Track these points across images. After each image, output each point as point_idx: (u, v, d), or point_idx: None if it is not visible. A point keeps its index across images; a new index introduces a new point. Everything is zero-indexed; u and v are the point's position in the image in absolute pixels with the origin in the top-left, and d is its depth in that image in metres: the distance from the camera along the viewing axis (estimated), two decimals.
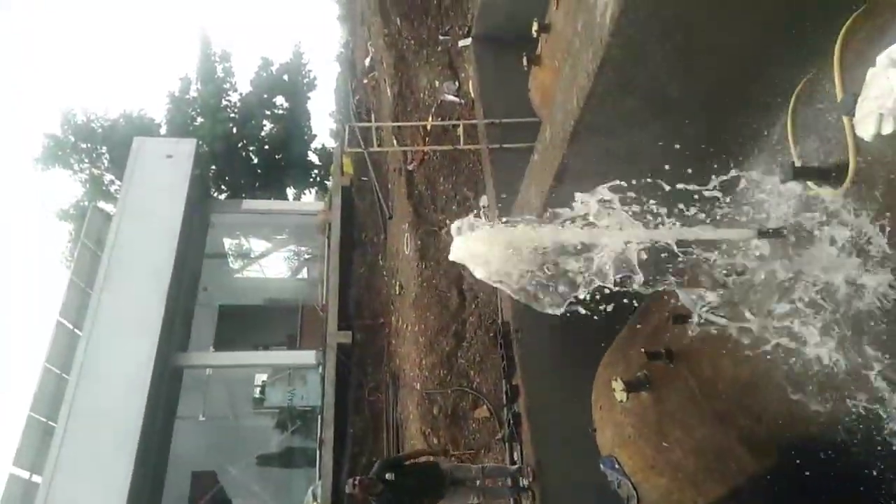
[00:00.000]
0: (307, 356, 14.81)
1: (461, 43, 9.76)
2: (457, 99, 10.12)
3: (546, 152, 5.05)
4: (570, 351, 6.03)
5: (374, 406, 12.15)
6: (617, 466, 4.18)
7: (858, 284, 2.27)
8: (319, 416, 13.33)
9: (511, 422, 5.99)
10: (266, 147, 24.43)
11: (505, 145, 7.66)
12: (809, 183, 2.30)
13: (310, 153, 26.30)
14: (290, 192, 26.44)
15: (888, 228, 2.10)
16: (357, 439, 12.31)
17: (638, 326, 4.27)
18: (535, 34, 6.29)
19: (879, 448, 2.48)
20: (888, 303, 2.21)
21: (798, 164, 2.35)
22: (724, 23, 3.54)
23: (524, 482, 5.59)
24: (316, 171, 26.40)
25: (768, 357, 2.74)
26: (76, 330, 14.07)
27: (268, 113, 24.88)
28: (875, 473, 2.58)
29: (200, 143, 18.61)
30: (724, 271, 2.92)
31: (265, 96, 24.45)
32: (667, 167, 4.69)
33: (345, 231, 15.92)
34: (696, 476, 3.56)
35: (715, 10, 3.43)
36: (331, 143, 25.67)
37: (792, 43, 2.98)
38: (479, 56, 8.89)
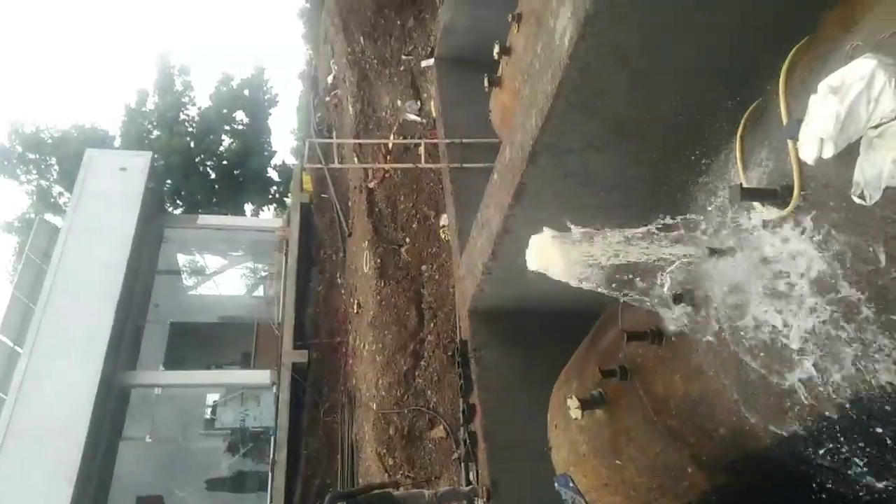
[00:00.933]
0: (261, 376, 14.50)
1: (424, 63, 9.86)
2: (418, 118, 10.18)
3: (505, 172, 5.10)
4: (529, 369, 6.07)
5: (329, 427, 11.94)
6: (571, 485, 4.19)
7: (800, 305, 2.34)
8: (272, 438, 13.02)
9: (467, 441, 5.96)
10: (224, 162, 24.10)
11: (465, 165, 7.72)
12: (756, 204, 2.38)
13: (269, 169, 26.05)
14: (249, 208, 26.09)
15: (829, 248, 2.18)
16: (311, 461, 12.06)
17: (593, 344, 4.32)
18: (496, 56, 6.40)
19: (823, 463, 2.54)
20: (828, 324, 2.28)
21: (745, 185, 2.43)
22: (681, 50, 3.66)
23: (479, 503, 5.55)
24: (275, 187, 26.14)
25: (720, 374, 2.79)
26: (16, 347, 13.47)
27: (227, 128, 24.58)
28: (822, 487, 2.64)
29: (156, 156, 18.21)
30: (679, 288, 2.98)
31: (225, 111, 24.18)
32: (625, 189, 4.83)
33: (303, 248, 15.76)
34: (648, 494, 3.59)
35: (672, 39, 3.54)
36: (291, 160, 25.50)
37: (745, 70, 3.10)
38: (442, 76, 8.99)
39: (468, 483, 5.87)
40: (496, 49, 6.38)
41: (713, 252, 2.56)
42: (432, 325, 9.02)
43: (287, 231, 16.42)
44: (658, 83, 3.88)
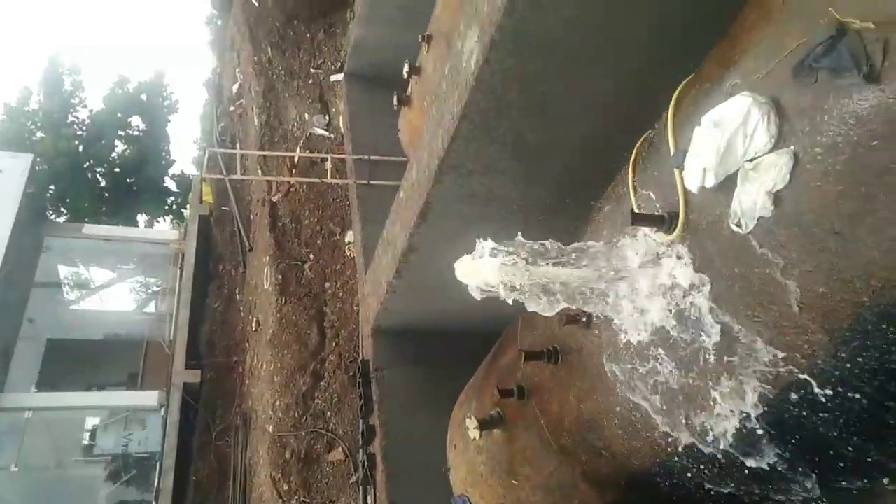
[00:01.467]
0: (149, 397, 13.61)
1: (333, 77, 9.76)
2: (326, 133, 10.04)
3: (411, 190, 5.09)
4: (431, 390, 6.03)
5: (221, 451, 11.34)
6: None
7: (675, 328, 2.45)
8: (158, 464, 12.21)
9: (366, 464, 5.83)
10: (117, 169, 22.69)
11: (373, 182, 7.67)
12: (645, 229, 2.48)
13: (167, 179, 24.77)
14: (143, 219, 24.66)
15: (705, 272, 2.30)
16: (200, 488, 11.39)
17: (492, 364, 4.35)
18: (405, 75, 6.43)
19: (707, 475, 2.67)
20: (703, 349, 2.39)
21: (637, 210, 2.54)
22: (582, 81, 3.81)
23: None
24: (173, 198, 24.88)
25: (610, 393, 2.87)
26: None
27: (121, 133, 23.20)
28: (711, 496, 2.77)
29: (38, 159, 16.86)
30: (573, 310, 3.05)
31: (119, 115, 22.81)
32: (527, 211, 4.95)
33: (200, 263, 15.02)
34: None
35: (573, 70, 3.68)
36: (192, 171, 24.40)
37: (641, 102, 3.26)
38: (351, 92, 8.93)
39: None
40: (406, 68, 6.41)
41: (604, 276, 2.65)
42: (334, 344, 8.82)
43: (183, 244, 15.62)
44: (559, 110, 4.01)
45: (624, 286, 2.66)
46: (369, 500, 5.72)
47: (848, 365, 1.96)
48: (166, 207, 24.78)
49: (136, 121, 23.44)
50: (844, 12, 1.76)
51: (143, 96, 23.39)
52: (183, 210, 23.29)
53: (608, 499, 3.28)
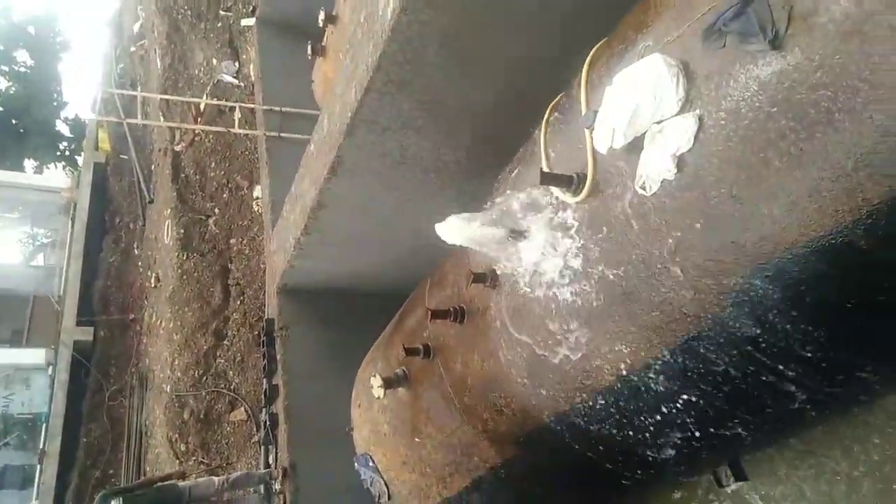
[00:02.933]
0: (35, 355, 12.77)
1: (244, 22, 9.21)
2: (235, 80, 9.51)
3: (322, 144, 4.90)
4: (337, 350, 5.94)
5: (114, 412, 10.81)
6: (371, 464, 4.16)
7: (571, 284, 2.49)
8: (44, 426, 11.50)
9: (268, 424, 5.70)
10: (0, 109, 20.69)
11: (283, 135, 7.35)
12: (553, 188, 2.48)
13: (59, 122, 22.86)
14: (30, 164, 22.72)
15: (603, 231, 2.33)
16: (91, 450, 10.84)
17: (400, 323, 4.32)
18: (321, 24, 6.13)
19: (601, 439, 2.75)
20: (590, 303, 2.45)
21: (546, 170, 2.53)
22: (501, 39, 3.74)
23: (275, 486, 5.33)
24: (65, 143, 23.02)
25: (511, 352, 2.90)
26: None
27: (5, 69, 21.11)
28: (601, 463, 2.87)
29: None
30: (481, 268, 3.05)
31: (1, 48, 20.72)
32: (441, 172, 4.88)
33: (94, 214, 14.05)
34: (443, 470, 3.67)
35: (492, 26, 3.60)
36: (89, 116, 22.62)
37: (558, 63, 3.24)
38: (263, 39, 8.45)
39: (266, 467, 5.61)
40: (321, 16, 6.11)
41: (513, 233, 2.64)
42: (239, 302, 8.52)
43: (76, 193, 14.53)
44: (476, 68, 3.93)
45: (526, 246, 2.67)
46: (270, 460, 5.61)
47: (730, 324, 2.04)
48: (58, 153, 22.92)
49: (21, 56, 21.36)
50: None
51: (31, 29, 21.31)
52: (77, 157, 21.63)
53: (508, 455, 3.35)
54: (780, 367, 2.05)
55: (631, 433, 2.65)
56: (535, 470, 3.39)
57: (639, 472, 2.98)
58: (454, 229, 2.77)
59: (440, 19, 3.53)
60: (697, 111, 1.95)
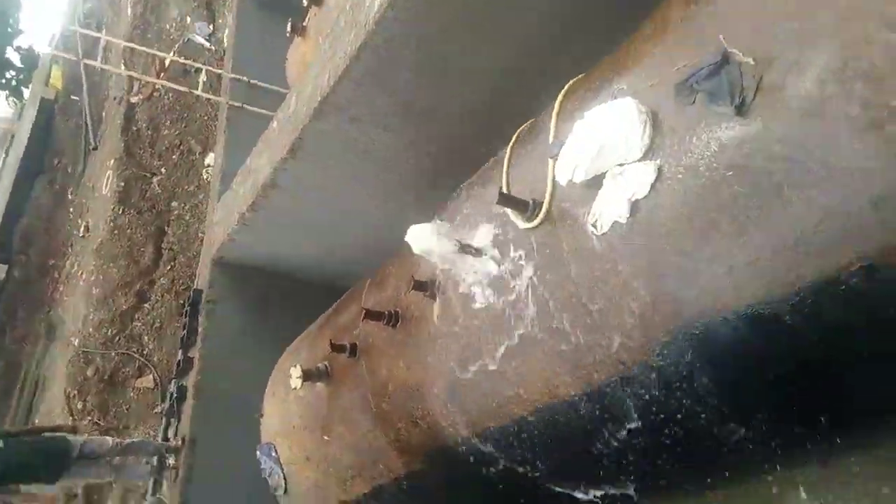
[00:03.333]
0: None
1: None
2: (207, 43, 9.22)
3: (286, 123, 4.79)
4: (262, 332, 5.79)
5: (14, 357, 10.21)
6: (274, 454, 4.05)
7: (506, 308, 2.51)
8: None
9: (175, 396, 5.49)
10: None
11: (247, 106, 7.16)
12: (509, 210, 2.48)
13: (10, 49, 21.59)
14: None
15: (549, 264, 2.35)
16: None
17: (333, 317, 4.24)
18: (305, 3, 6.03)
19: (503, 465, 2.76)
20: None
21: (505, 191, 2.53)
22: (480, 50, 3.76)
23: (169, 460, 5.12)
24: (14, 73, 21.76)
25: (437, 366, 2.88)
26: None
27: None
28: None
29: None
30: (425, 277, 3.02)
31: None
32: (403, 174, 4.85)
33: (33, 150, 13.36)
34: (346, 472, 3.60)
35: (473, 35, 3.62)
36: (45, 50, 21.51)
37: (530, 87, 3.26)
38: (243, 7, 8.25)
39: (164, 440, 5.39)
40: None
41: (462, 248, 2.63)
42: (169, 267, 8.22)
43: (16, 126, 13.78)
44: (454, 75, 3.94)
45: (471, 263, 2.66)
46: (170, 434, 5.39)
47: (656, 373, 2.08)
48: (3, 81, 21.68)
49: None
50: (732, 43, 1.83)
51: None
52: (23, 88, 20.52)
53: (414, 468, 3.31)
54: (701, 416, 2.09)
55: (540, 469, 2.66)
56: (439, 489, 3.36)
57: None
58: (414, 236, 2.75)
59: (427, 20, 3.52)
60: (658, 161, 1.99)
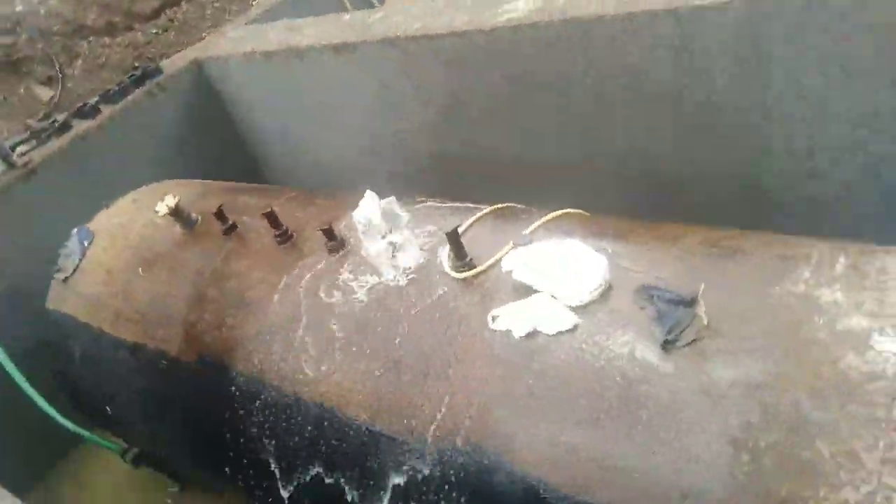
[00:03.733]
0: None
1: None
2: None
3: (353, 26, 4.73)
4: (178, 151, 5.52)
5: None
6: (86, 244, 3.83)
7: None
8: None
9: (57, 125, 5.10)
10: None
11: None
12: (446, 250, 2.53)
13: None
14: None
15: None
16: None
17: (237, 190, 4.07)
18: None
19: None
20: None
21: (459, 232, 2.57)
22: None
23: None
24: None
25: (279, 317, 2.84)
26: None
27: None
28: None
29: None
30: None
31: None
32: None
33: None
34: (132, 305, 3.45)
35: None
36: None
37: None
38: None
39: (12, 149, 4.95)
40: None
41: (390, 243, 2.65)
42: (155, 31, 7.77)
43: None
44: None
45: (379, 256, 2.70)
46: (21, 149, 4.96)
47: None
48: None
49: None
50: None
51: None
52: None
53: (184, 359, 3.20)
54: None
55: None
56: (188, 398, 3.25)
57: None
58: (367, 203, 2.74)
59: None
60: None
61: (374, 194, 2.80)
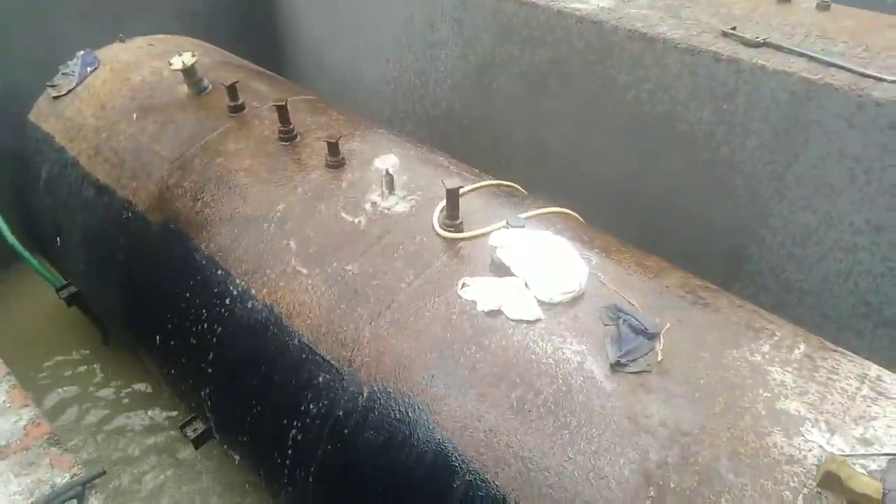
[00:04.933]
0: None
1: None
2: None
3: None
4: (193, 10, 5.33)
5: None
6: (89, 69, 3.71)
7: None
8: None
9: None
10: None
11: None
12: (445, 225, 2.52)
13: None
14: None
15: None
16: None
17: (258, 74, 3.97)
18: None
19: None
20: None
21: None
22: None
23: None
24: None
25: (256, 199, 2.80)
26: None
27: None
28: None
29: None
30: None
31: None
32: None
33: None
34: (116, 153, 3.36)
35: None
36: None
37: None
38: None
39: None
40: None
41: (387, 185, 2.62)
42: None
43: None
44: None
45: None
46: None
47: None
48: None
49: None
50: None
51: None
52: None
53: (154, 218, 3.14)
54: None
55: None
56: (140, 258, 3.20)
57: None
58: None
59: None
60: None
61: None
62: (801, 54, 3.16)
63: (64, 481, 1.80)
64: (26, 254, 3.91)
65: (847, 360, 2.03)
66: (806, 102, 3.07)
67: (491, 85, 4.37)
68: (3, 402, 2.01)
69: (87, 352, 4.35)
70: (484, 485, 1.91)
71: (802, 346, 2.07)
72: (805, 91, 3.05)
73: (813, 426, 1.77)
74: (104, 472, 1.86)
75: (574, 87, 3.92)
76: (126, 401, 4.07)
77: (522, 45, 4.04)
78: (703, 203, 3.69)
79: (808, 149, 3.16)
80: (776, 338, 2.10)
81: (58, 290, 3.89)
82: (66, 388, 4.13)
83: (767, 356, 2.00)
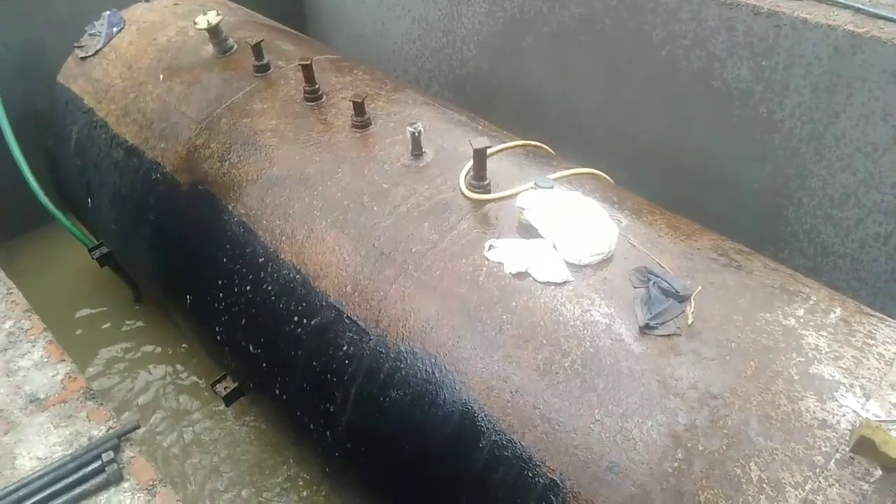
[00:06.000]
0: None
1: None
2: None
3: None
4: None
5: None
6: (115, 29, 3.70)
7: None
8: None
9: None
10: None
11: None
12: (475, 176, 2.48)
13: None
14: None
15: None
16: None
17: (283, 32, 3.93)
18: None
19: None
20: None
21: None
22: None
23: None
24: None
25: (282, 156, 2.79)
26: None
27: None
28: None
29: None
30: None
31: None
32: None
33: None
34: (142, 114, 3.37)
35: None
36: None
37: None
38: None
39: None
40: None
41: (415, 147, 2.59)
42: None
43: None
44: None
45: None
46: None
47: None
48: None
49: None
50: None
51: None
52: None
53: (183, 180, 3.16)
54: None
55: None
56: (170, 219, 3.23)
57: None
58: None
59: None
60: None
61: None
62: (846, 6, 3.01)
63: (101, 434, 1.86)
64: (59, 214, 3.98)
65: (885, 325, 1.98)
66: (850, 57, 2.93)
67: (520, 43, 4.26)
68: (41, 357, 2.06)
69: (120, 310, 4.45)
70: (510, 445, 1.92)
71: (838, 311, 2.02)
72: (849, 45, 2.92)
73: (847, 391, 1.73)
74: (139, 426, 1.91)
75: (605, 44, 3.80)
76: (157, 358, 4.17)
77: (552, 0, 3.91)
78: (739, 163, 3.59)
79: (851, 106, 3.04)
80: (811, 301, 2.05)
81: (90, 251, 3.96)
82: (99, 346, 4.24)
83: (802, 320, 1.96)
